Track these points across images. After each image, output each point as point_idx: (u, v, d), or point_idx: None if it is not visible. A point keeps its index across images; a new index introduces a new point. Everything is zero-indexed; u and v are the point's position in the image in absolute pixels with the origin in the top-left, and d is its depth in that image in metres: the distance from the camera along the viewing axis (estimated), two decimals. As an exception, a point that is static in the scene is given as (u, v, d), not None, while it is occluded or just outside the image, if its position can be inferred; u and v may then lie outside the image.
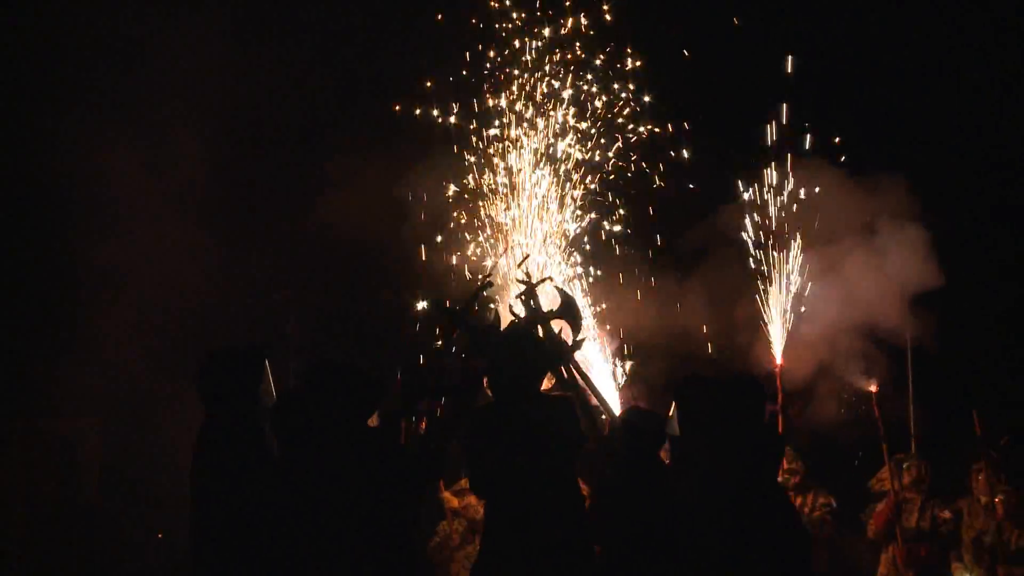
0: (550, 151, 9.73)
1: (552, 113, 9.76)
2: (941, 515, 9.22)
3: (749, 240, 9.78)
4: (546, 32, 9.85)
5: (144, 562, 10.70)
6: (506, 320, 6.72)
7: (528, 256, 8.67)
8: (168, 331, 10.76)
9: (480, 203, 9.87)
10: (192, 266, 10.63)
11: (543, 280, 6.85)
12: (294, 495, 5.59)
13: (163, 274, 10.63)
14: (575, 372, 6.50)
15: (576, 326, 6.63)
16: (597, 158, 9.88)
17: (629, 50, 9.93)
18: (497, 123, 9.83)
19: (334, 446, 5.68)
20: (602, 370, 9.20)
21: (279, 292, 10.59)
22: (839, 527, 9.40)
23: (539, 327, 6.53)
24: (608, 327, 9.71)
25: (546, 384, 6.34)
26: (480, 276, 7.37)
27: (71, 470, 10.96)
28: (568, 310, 6.65)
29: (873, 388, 9.50)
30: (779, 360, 9.42)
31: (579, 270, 9.84)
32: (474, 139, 9.90)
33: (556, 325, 6.56)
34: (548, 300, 6.79)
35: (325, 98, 10.97)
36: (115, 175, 10.50)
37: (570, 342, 6.60)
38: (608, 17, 9.89)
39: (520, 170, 9.66)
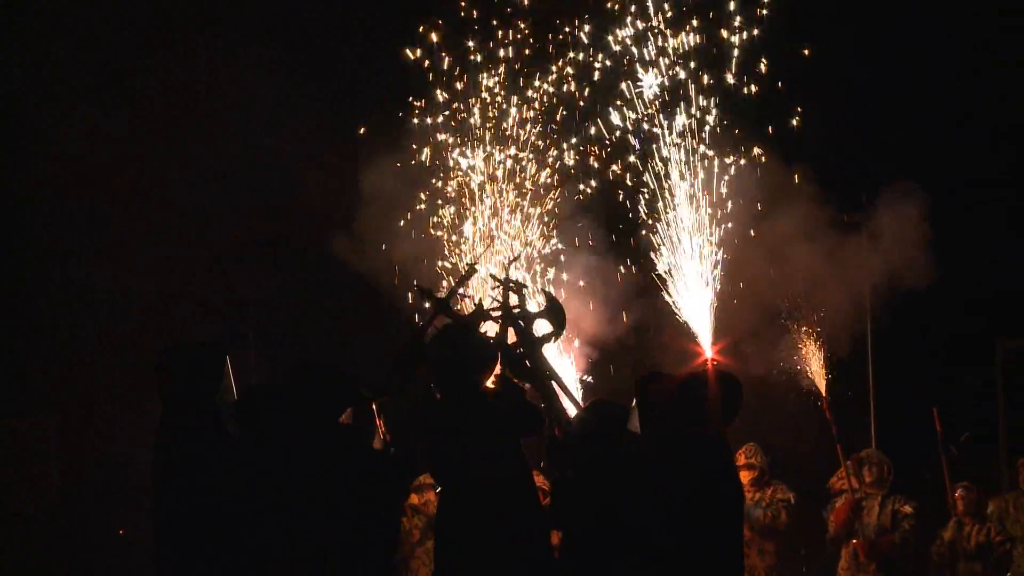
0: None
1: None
2: (902, 510, 9.25)
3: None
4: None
5: (106, 560, 10.63)
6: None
7: (517, 257, 8.76)
8: (127, 329, 10.67)
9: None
10: (153, 264, 10.58)
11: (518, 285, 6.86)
12: (260, 493, 5.56)
13: (123, 272, 10.56)
14: (542, 366, 6.53)
15: (559, 327, 6.68)
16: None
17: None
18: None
19: (302, 443, 5.67)
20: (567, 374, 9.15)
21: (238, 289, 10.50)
22: (798, 522, 9.41)
23: (513, 323, 6.57)
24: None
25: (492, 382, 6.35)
26: (465, 266, 7.37)
27: (33, 468, 10.89)
28: (552, 311, 6.70)
29: (824, 394, 9.53)
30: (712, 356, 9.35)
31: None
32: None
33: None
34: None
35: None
36: (71, 174, 10.41)
37: (549, 340, 6.65)
38: None
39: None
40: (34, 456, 10.91)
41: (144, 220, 10.67)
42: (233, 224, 11.10)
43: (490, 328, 6.69)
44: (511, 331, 6.58)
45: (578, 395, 8.22)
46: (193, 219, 11.00)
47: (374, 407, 6.23)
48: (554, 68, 9.73)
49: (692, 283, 9.22)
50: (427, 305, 6.92)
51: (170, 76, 10.71)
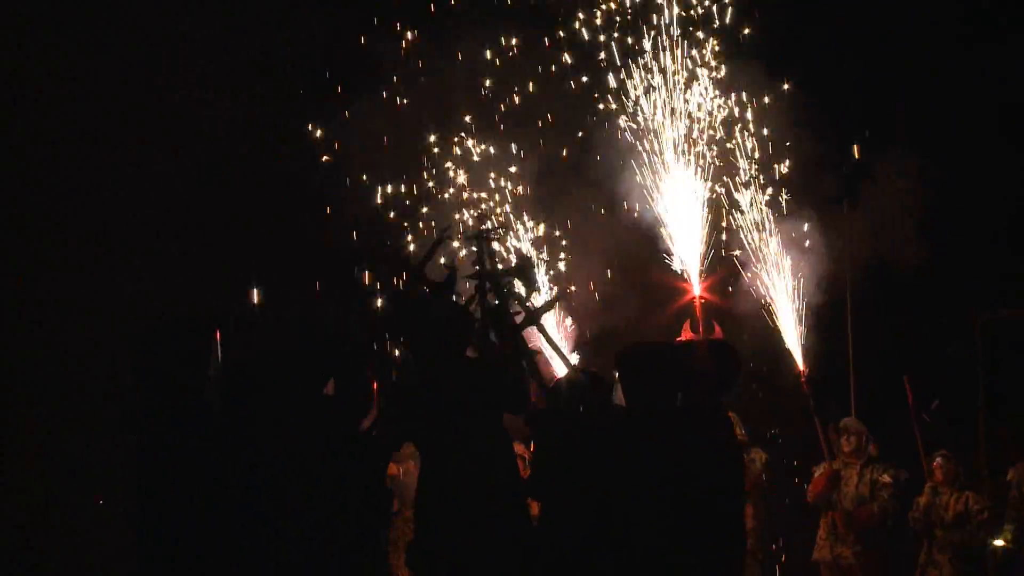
0: None
1: None
2: (881, 479, 9.27)
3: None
4: None
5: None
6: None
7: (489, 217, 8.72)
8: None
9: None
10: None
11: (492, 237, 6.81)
12: (242, 469, 5.52)
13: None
14: (541, 334, 6.53)
15: (529, 286, 6.63)
16: None
17: None
18: None
19: (288, 416, 5.63)
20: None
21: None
22: (776, 483, 9.45)
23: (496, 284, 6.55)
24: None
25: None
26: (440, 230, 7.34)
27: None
28: (522, 270, 6.65)
29: (801, 367, 9.51)
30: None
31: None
32: None
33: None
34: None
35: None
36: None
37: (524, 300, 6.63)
38: None
39: None
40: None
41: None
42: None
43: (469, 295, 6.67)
44: (490, 295, 6.56)
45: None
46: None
47: (371, 378, 6.21)
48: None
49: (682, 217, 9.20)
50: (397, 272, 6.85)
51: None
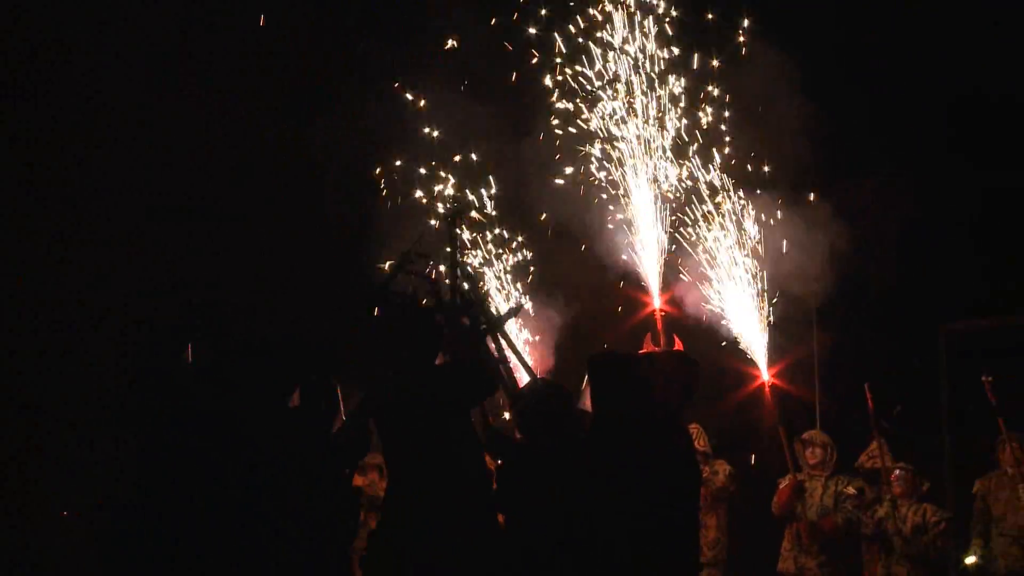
0: None
1: None
2: (845, 491, 9.30)
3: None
4: None
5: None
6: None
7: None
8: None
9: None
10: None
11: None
12: (210, 479, 5.51)
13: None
14: (503, 343, 6.55)
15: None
16: None
17: None
18: None
19: (250, 428, 5.62)
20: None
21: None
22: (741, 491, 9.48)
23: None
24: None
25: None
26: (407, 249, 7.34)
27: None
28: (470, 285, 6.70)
29: (767, 378, 9.54)
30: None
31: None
32: None
33: None
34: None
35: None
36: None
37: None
38: None
39: None
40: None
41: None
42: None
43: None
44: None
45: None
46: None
47: (337, 387, 6.21)
48: None
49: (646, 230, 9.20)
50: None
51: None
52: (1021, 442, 9.40)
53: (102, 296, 10.30)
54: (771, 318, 9.46)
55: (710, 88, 9.70)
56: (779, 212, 9.75)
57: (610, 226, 9.49)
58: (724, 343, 9.54)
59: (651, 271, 9.08)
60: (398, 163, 9.96)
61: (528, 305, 9.60)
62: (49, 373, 10.43)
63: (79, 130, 10.48)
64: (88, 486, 5.73)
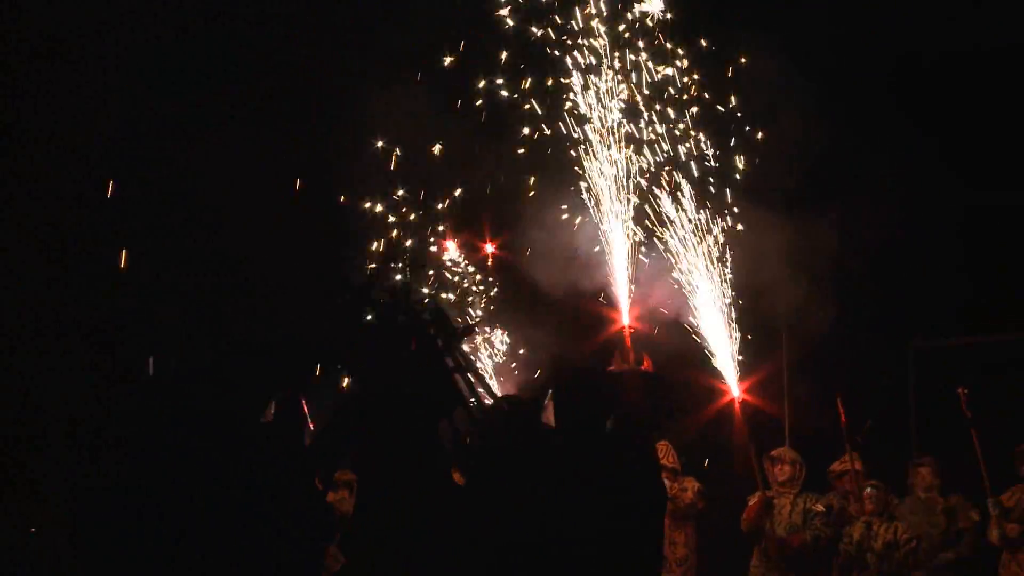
0: None
1: None
2: (814, 508, 9.33)
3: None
4: None
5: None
6: None
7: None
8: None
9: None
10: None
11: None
12: (180, 491, 5.49)
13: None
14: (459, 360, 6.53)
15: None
16: None
17: None
18: None
19: (220, 445, 5.60)
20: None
21: None
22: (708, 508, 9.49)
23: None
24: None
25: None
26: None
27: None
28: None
29: (736, 394, 9.57)
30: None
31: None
32: None
33: None
34: None
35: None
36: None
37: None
38: None
39: None
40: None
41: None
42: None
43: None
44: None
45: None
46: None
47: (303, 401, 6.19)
48: None
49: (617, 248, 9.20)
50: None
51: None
52: (933, 465, 9.49)
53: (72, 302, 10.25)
54: (736, 334, 9.49)
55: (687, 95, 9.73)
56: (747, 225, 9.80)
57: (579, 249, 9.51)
58: (700, 360, 9.56)
59: (620, 288, 9.09)
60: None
61: (500, 337, 9.60)
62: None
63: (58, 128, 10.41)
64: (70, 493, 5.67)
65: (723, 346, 9.37)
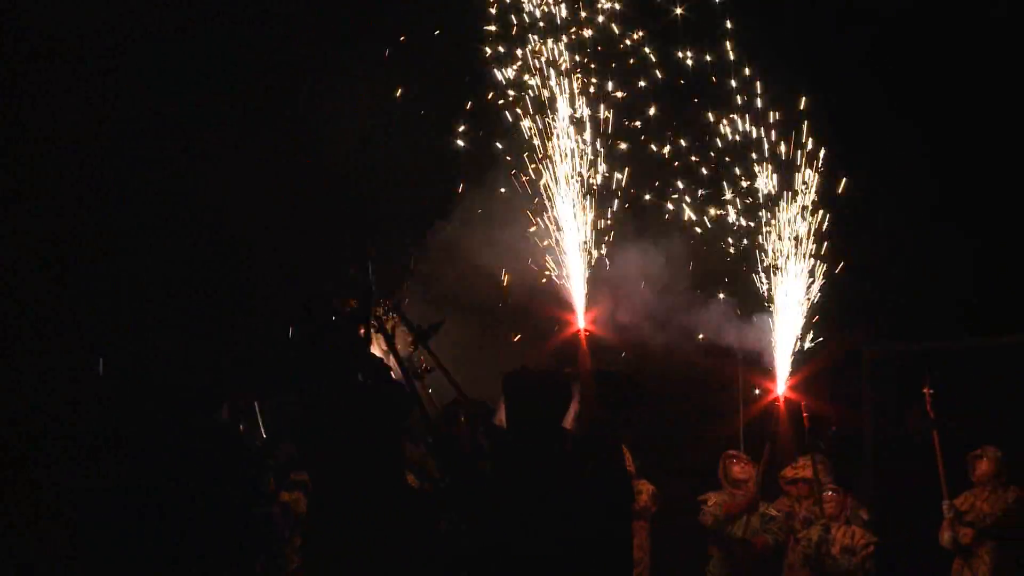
0: None
1: None
2: (768, 512, 9.39)
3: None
4: None
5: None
6: None
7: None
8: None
9: None
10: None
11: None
12: (135, 501, 5.50)
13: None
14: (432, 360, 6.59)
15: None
16: None
17: None
18: None
19: (179, 443, 5.62)
20: None
21: None
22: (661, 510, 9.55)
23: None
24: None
25: None
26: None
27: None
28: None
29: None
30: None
31: None
32: None
33: None
34: None
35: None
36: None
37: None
38: None
39: None
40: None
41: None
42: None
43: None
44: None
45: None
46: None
47: (255, 405, 6.22)
48: None
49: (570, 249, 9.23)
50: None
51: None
52: (824, 463, 9.57)
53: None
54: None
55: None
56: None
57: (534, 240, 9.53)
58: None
59: (576, 291, 9.13)
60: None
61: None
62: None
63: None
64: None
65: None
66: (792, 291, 9.92)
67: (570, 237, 9.16)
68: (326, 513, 6.01)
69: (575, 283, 9.11)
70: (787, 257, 9.90)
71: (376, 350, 6.67)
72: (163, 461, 5.62)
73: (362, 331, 6.59)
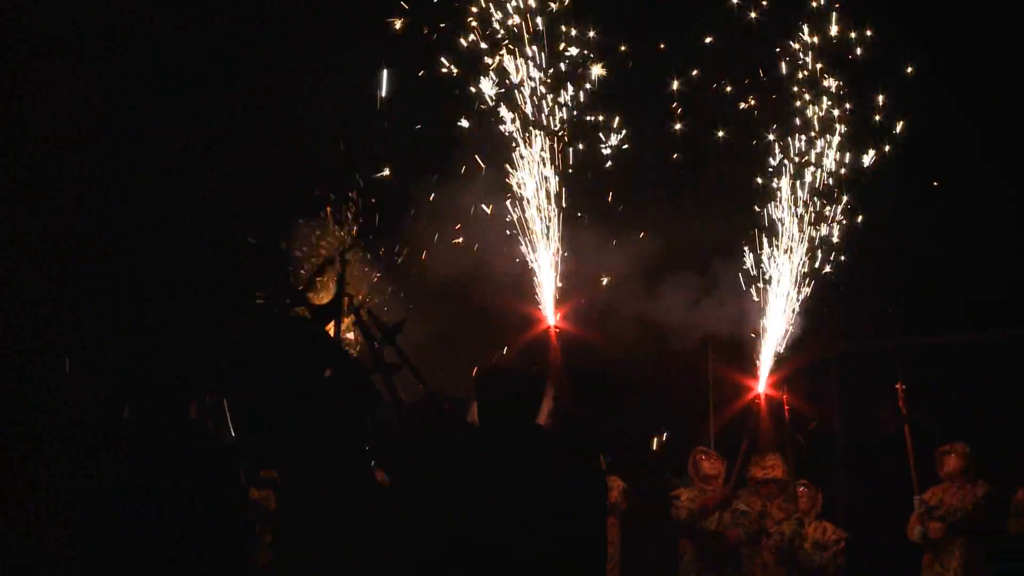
0: None
1: None
2: (738, 507, 9.43)
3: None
4: None
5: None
6: None
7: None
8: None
9: None
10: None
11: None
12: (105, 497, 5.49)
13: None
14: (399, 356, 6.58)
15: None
16: None
17: None
18: None
19: (146, 441, 5.60)
20: None
21: None
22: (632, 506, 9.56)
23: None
24: None
25: None
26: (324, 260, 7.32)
27: None
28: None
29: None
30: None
31: None
32: None
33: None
34: None
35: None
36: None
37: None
38: None
39: None
40: None
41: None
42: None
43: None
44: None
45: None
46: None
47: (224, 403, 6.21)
48: None
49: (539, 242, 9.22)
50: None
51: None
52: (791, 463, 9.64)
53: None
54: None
55: None
56: None
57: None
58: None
59: (546, 288, 9.12)
60: None
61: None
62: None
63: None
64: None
65: None
66: (781, 293, 9.95)
67: (540, 235, 9.17)
68: (295, 510, 6.01)
69: (544, 279, 9.10)
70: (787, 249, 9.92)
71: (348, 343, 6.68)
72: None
73: (332, 326, 6.61)
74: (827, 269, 10.49)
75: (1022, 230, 10.96)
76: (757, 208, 10.32)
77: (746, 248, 10.24)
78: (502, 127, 9.34)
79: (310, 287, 6.92)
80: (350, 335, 7.48)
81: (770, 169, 10.38)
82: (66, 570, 5.44)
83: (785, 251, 10.06)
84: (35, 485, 5.55)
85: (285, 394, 6.09)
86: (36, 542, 5.50)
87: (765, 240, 10.19)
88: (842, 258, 10.57)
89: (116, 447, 5.59)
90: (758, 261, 10.15)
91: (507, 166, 9.29)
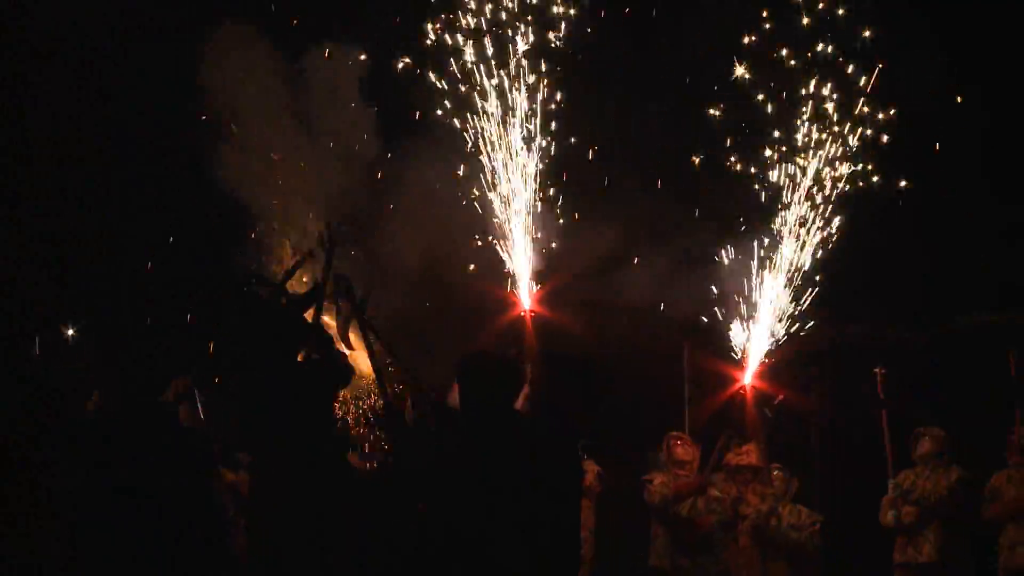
0: None
1: None
2: (712, 494, 9.44)
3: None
4: None
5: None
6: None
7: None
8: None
9: None
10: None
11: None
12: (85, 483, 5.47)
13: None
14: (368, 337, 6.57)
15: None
16: None
17: None
18: None
19: (129, 423, 5.59)
20: None
21: None
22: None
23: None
24: None
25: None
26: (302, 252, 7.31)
27: None
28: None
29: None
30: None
31: None
32: None
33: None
34: None
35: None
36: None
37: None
38: None
39: None
40: None
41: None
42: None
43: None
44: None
45: None
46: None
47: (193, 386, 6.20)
48: None
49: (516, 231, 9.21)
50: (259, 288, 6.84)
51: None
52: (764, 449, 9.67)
53: None
54: None
55: None
56: None
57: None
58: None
59: (521, 272, 9.10)
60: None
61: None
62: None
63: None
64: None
65: None
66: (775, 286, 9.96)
67: (517, 220, 9.15)
68: (268, 493, 6.00)
69: (519, 263, 9.08)
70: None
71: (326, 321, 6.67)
72: (128, 446, 5.62)
73: (313, 308, 6.59)
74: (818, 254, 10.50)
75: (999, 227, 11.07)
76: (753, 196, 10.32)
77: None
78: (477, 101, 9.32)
79: (289, 278, 6.92)
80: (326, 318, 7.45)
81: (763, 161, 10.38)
82: (39, 556, 5.42)
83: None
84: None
85: (257, 377, 6.08)
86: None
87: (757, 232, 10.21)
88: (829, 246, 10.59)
89: (88, 434, 5.59)
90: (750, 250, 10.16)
91: (480, 144, 9.27)
